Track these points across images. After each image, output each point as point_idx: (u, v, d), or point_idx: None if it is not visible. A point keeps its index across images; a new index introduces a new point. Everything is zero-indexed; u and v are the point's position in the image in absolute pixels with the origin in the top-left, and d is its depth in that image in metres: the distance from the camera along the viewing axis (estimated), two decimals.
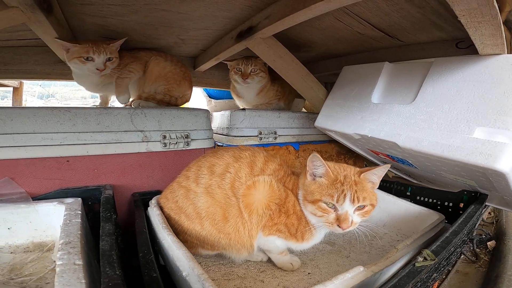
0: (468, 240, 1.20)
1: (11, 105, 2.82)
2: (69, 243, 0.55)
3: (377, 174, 0.70)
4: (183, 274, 0.54)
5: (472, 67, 0.79)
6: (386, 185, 1.34)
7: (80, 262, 0.50)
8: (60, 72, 1.43)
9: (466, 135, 0.69)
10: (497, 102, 0.68)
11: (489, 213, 1.70)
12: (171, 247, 0.62)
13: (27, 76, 1.39)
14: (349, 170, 0.70)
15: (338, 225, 0.65)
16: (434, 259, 0.59)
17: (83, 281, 0.44)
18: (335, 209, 0.66)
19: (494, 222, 1.59)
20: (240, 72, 1.42)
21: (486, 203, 1.12)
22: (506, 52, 0.76)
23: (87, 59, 1.07)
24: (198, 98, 2.21)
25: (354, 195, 0.65)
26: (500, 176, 0.66)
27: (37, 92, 5.79)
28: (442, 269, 0.90)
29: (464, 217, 0.81)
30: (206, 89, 2.13)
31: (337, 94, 1.22)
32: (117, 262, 0.51)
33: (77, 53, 1.06)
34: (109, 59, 1.12)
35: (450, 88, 0.79)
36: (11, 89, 2.82)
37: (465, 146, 0.68)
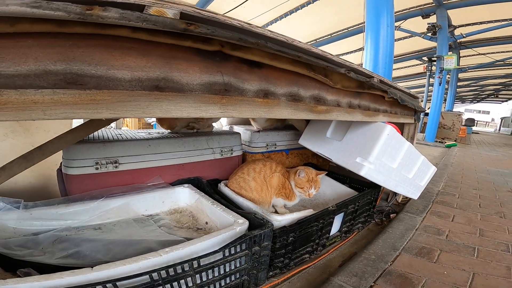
0: (378, 211, 2.28)
1: None
2: (213, 202, 1.53)
3: (321, 175, 1.74)
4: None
5: (367, 126, 1.79)
6: (339, 177, 2.24)
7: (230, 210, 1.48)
8: None
9: (354, 160, 1.69)
10: (367, 147, 1.68)
11: (404, 198, 2.77)
12: (244, 201, 1.62)
13: None
14: (313, 173, 1.73)
15: (308, 196, 1.70)
16: (335, 208, 1.63)
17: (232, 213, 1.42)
18: (308, 190, 1.70)
19: (405, 204, 2.68)
20: None
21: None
22: (383, 121, 1.78)
23: None
24: None
25: (314, 185, 1.69)
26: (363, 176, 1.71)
27: None
28: (354, 222, 1.95)
29: (360, 194, 1.85)
30: None
31: (311, 126, 2.22)
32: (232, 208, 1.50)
33: None
34: None
35: (356, 136, 1.79)
36: None
37: (353, 164, 1.69)
